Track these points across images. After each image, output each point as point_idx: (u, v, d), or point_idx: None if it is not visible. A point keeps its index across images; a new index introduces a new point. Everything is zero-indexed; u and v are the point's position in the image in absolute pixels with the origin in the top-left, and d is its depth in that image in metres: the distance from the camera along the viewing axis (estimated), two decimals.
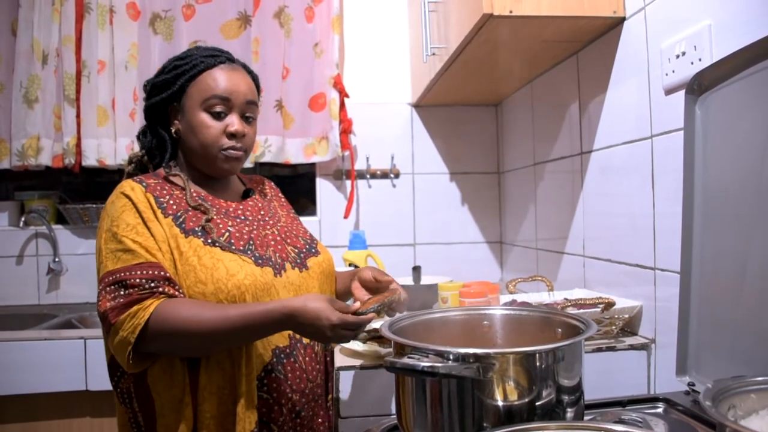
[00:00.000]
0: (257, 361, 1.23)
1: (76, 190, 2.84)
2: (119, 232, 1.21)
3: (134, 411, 1.24)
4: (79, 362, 1.94)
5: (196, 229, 1.25)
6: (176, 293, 1.18)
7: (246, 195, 1.45)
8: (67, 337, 1.98)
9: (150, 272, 1.17)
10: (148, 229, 1.22)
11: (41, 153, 2.46)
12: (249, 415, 1.20)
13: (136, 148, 2.46)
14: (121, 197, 1.27)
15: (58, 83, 2.48)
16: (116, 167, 2.53)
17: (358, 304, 1.19)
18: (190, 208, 1.29)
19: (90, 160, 2.46)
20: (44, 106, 2.47)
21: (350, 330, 1.14)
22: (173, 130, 1.36)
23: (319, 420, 1.33)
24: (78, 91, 2.47)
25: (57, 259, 2.58)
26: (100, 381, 1.92)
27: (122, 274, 1.17)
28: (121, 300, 1.15)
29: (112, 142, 2.49)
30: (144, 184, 1.29)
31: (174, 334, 1.14)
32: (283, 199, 1.56)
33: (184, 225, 1.25)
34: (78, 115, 2.47)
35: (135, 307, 1.13)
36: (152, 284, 1.16)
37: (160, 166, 1.40)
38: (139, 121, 2.52)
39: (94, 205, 2.57)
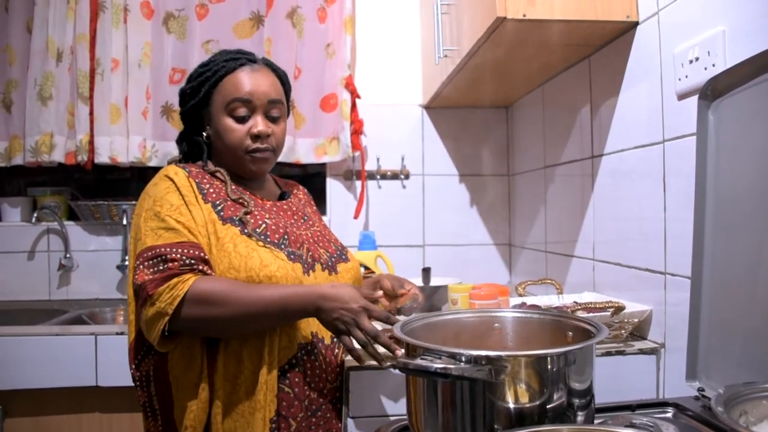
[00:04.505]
0: (282, 353, 1.25)
1: (87, 187, 2.86)
2: (162, 212, 1.24)
3: (150, 395, 1.27)
4: (89, 358, 1.95)
5: (234, 218, 1.28)
6: (212, 274, 1.21)
7: (282, 197, 1.47)
8: (77, 333, 1.99)
9: (190, 251, 1.20)
10: (190, 211, 1.25)
11: (54, 150, 2.48)
12: (269, 404, 1.22)
13: (148, 146, 2.52)
14: (165, 179, 1.30)
15: (72, 81, 2.50)
16: (128, 165, 2.55)
17: (379, 293, 1.23)
18: (228, 199, 1.32)
19: (102, 158, 2.48)
20: (58, 104, 2.49)
21: (370, 326, 1.17)
22: (205, 135, 1.39)
23: (339, 424, 1.34)
24: (91, 89, 2.49)
25: (68, 255, 2.60)
26: (110, 377, 1.94)
27: (163, 249, 1.20)
28: (160, 273, 1.17)
29: (125, 139, 2.50)
30: (187, 170, 1.33)
31: (210, 308, 1.16)
32: (314, 207, 1.59)
33: (222, 213, 1.28)
34: (91, 113, 2.48)
35: (174, 280, 1.16)
36: (192, 261, 1.19)
37: None
38: (152, 120, 2.54)
39: (105, 202, 2.59)
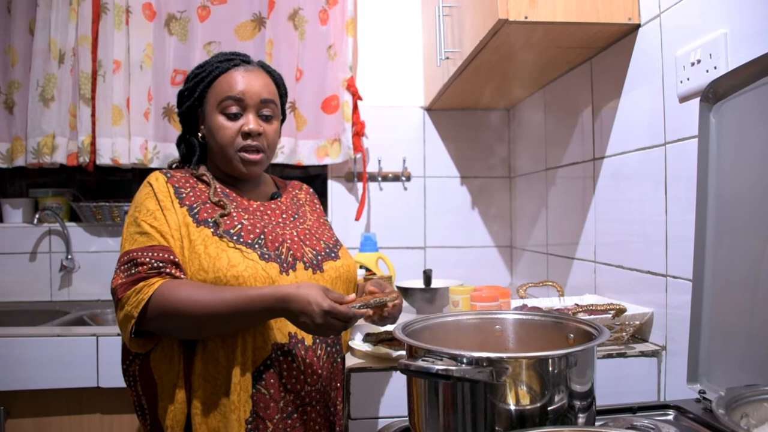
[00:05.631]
0: (256, 354, 1.26)
1: (89, 188, 2.87)
2: (139, 217, 1.28)
3: (138, 394, 1.30)
4: (90, 359, 1.95)
5: (209, 220, 1.31)
6: (181, 277, 1.24)
7: (272, 198, 1.48)
8: (79, 334, 1.99)
9: (160, 255, 1.23)
10: (164, 216, 1.28)
11: (56, 151, 2.49)
12: (243, 405, 1.24)
13: (150, 147, 2.52)
14: (146, 185, 1.34)
15: (74, 82, 2.50)
16: (130, 166, 2.55)
17: (353, 296, 1.21)
18: (208, 201, 1.34)
19: (104, 159, 2.48)
20: (60, 105, 2.49)
21: (339, 320, 1.15)
22: (200, 135, 1.42)
23: (317, 427, 1.34)
24: (93, 91, 2.49)
25: (70, 257, 2.61)
26: (111, 378, 1.94)
27: (135, 253, 1.23)
28: (130, 277, 1.20)
29: (126, 141, 2.51)
30: (168, 175, 1.36)
31: (171, 312, 1.17)
32: (317, 206, 1.59)
33: (197, 216, 1.30)
34: (93, 114, 2.49)
35: (141, 284, 1.19)
36: (160, 264, 1.22)
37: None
38: (153, 121, 2.55)
39: (107, 204, 2.59)
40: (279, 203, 1.47)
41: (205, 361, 1.24)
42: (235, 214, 1.34)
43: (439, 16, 1.97)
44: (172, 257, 1.23)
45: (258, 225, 1.35)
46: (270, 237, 1.33)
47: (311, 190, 1.63)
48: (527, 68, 2.02)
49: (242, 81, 1.36)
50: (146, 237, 1.25)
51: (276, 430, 1.26)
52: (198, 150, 1.44)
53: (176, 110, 1.48)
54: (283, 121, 1.48)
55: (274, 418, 1.26)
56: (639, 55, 1.60)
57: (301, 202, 1.54)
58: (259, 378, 1.26)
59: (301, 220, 1.46)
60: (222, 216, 1.31)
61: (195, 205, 1.32)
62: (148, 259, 1.21)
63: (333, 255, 1.42)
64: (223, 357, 1.24)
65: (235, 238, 1.29)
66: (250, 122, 1.36)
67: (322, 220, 1.54)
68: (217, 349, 1.24)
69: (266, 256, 1.29)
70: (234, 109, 1.35)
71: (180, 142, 1.49)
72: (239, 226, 1.32)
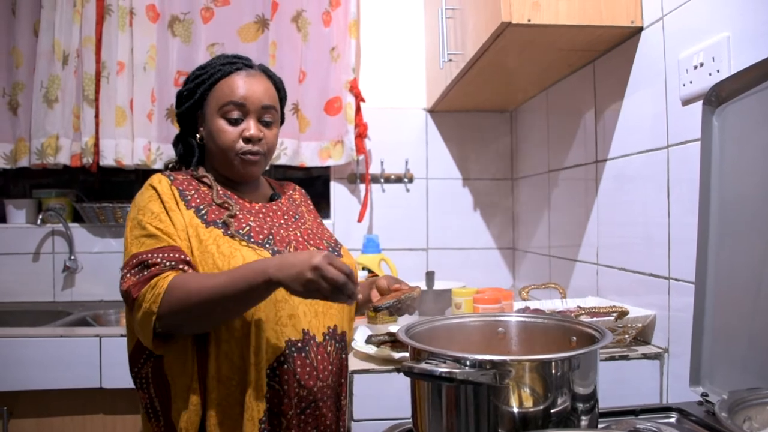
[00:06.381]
0: (269, 351, 1.26)
1: (92, 189, 2.87)
2: (144, 220, 1.27)
3: (151, 396, 1.29)
4: (93, 360, 1.96)
5: (218, 221, 1.31)
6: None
7: (272, 199, 1.49)
8: (82, 334, 2.00)
9: (171, 254, 1.23)
10: (170, 217, 1.28)
11: (60, 152, 2.49)
12: (257, 404, 1.24)
13: (153, 148, 2.53)
14: (149, 188, 1.33)
15: (78, 84, 2.51)
16: (133, 167, 2.56)
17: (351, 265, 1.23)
18: (214, 204, 1.34)
19: (107, 160, 2.49)
20: (64, 106, 2.50)
21: (333, 280, 1.08)
22: (199, 137, 1.42)
23: (327, 422, 1.35)
24: (97, 92, 2.50)
25: (73, 257, 2.61)
26: (114, 379, 1.94)
27: (145, 255, 1.22)
28: (143, 277, 1.20)
29: (130, 142, 2.51)
30: (171, 177, 1.36)
31: (186, 298, 1.16)
32: (311, 206, 1.60)
33: (206, 217, 1.31)
34: (97, 116, 2.50)
35: (155, 279, 1.18)
36: (172, 264, 1.22)
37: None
38: (157, 123, 2.55)
39: (110, 205, 2.60)
40: (279, 204, 1.48)
41: (218, 362, 1.24)
42: (241, 216, 1.35)
43: (441, 18, 1.97)
44: (183, 256, 1.23)
45: (264, 226, 1.36)
46: (277, 237, 1.35)
47: (303, 191, 1.64)
48: (530, 71, 2.02)
49: (244, 86, 1.36)
50: (154, 239, 1.25)
51: (291, 426, 1.27)
52: (197, 151, 1.44)
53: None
54: (281, 124, 1.49)
55: (289, 413, 1.27)
56: (642, 58, 1.60)
57: (297, 203, 1.55)
58: (273, 375, 1.26)
59: (302, 221, 1.47)
60: (230, 217, 1.32)
61: (202, 207, 1.32)
62: (159, 260, 1.21)
63: (336, 254, 1.44)
64: (237, 357, 1.24)
65: (246, 237, 1.30)
66: (251, 128, 1.36)
67: (318, 221, 1.56)
68: (231, 349, 1.24)
69: (278, 254, 1.30)
70: (235, 114, 1.36)
71: (177, 143, 1.49)
72: (247, 227, 1.33)
